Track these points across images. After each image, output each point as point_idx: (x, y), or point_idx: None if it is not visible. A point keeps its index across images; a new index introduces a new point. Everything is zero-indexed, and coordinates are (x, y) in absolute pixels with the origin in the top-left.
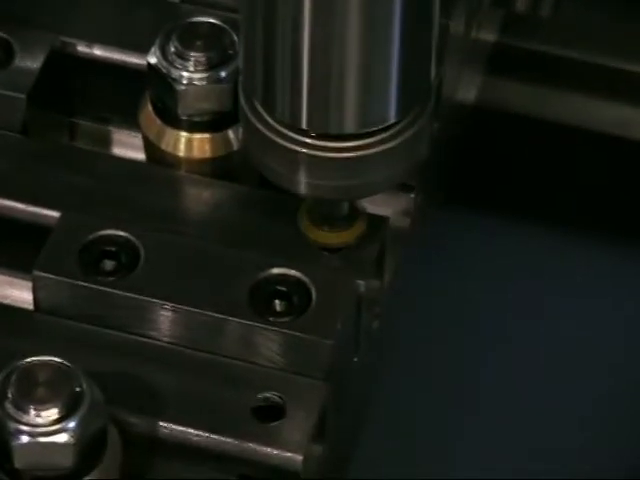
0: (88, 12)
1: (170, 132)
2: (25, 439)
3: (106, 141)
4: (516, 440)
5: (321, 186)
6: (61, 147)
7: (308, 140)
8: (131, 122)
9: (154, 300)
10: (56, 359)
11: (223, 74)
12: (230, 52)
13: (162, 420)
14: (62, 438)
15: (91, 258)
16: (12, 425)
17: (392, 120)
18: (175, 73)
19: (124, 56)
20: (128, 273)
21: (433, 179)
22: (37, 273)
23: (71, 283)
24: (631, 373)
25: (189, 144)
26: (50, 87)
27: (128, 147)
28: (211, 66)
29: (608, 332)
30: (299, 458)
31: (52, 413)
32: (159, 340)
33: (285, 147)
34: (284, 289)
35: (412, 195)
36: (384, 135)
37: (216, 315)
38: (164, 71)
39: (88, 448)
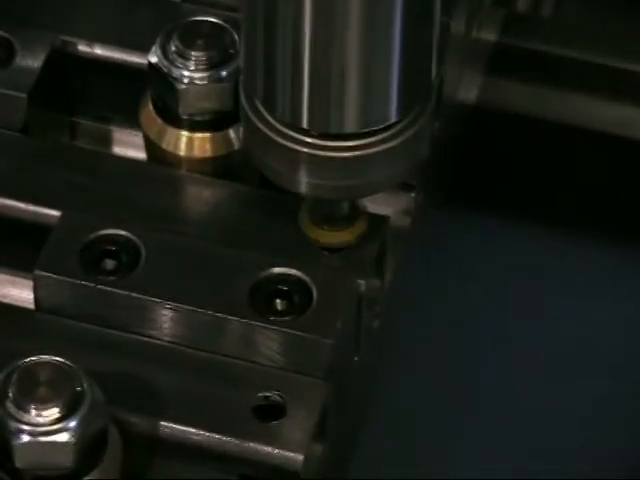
0: (89, 11)
1: (171, 131)
2: (26, 438)
3: (107, 140)
4: (516, 440)
5: (322, 185)
6: (62, 146)
7: (309, 139)
8: (132, 121)
9: (155, 299)
10: (57, 358)
11: (224, 73)
12: (231, 51)
13: (162, 420)
14: (63, 437)
15: (92, 257)
16: (13, 424)
17: (393, 119)
18: (176, 72)
19: (125, 55)
20: (129, 272)
21: (434, 179)
22: (38, 272)
23: (72, 282)
24: (631, 373)
25: (190, 143)
26: (51, 86)
27: (129, 146)
28: (212, 65)
29: (608, 332)
30: (300, 457)
31: (53, 412)
32: (160, 339)
33: (286, 146)
34: (285, 288)
35: (413, 194)
36: (385, 134)
37: (217, 314)
38: (165, 70)
39: (89, 448)
